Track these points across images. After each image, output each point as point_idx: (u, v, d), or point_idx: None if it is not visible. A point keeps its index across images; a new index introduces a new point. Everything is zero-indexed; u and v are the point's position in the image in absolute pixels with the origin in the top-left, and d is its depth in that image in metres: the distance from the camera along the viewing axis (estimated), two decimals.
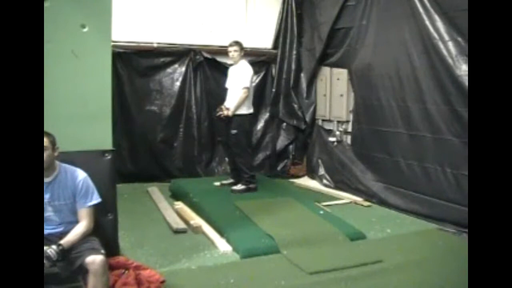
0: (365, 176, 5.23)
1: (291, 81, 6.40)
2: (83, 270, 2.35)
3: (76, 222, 2.53)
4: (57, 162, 2.53)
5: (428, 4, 4.28)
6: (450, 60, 4.08)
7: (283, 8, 6.37)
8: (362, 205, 5.00)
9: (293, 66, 6.40)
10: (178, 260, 3.33)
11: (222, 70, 6.18)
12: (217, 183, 5.24)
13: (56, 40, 2.72)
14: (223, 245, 3.59)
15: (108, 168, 2.93)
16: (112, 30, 2.97)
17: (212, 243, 3.69)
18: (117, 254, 3.00)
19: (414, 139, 4.55)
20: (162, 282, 2.84)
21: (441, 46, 4.15)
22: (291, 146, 6.60)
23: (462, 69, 3.97)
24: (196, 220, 4.11)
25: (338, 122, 5.89)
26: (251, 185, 5.00)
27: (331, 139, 5.92)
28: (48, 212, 2.49)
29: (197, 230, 3.93)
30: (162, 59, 5.88)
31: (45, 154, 2.39)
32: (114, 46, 3.51)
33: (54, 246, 2.31)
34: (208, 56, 6.04)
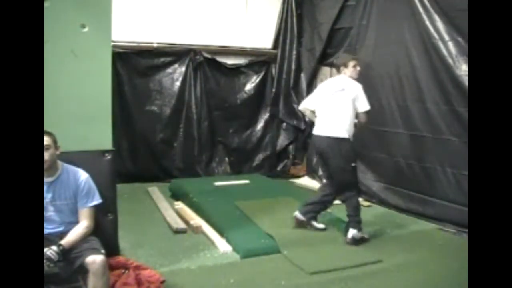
0: (365, 176, 5.22)
1: (291, 81, 6.40)
2: (83, 270, 2.35)
3: (76, 222, 2.53)
4: (59, 162, 2.54)
5: (428, 4, 4.28)
6: (450, 60, 4.08)
7: (283, 8, 6.37)
8: (362, 205, 4.96)
9: (293, 66, 6.40)
10: (178, 260, 3.33)
11: (222, 70, 6.22)
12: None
13: (56, 40, 2.72)
14: (223, 245, 3.59)
15: (108, 168, 2.93)
16: (112, 30, 2.97)
17: (212, 243, 3.69)
18: (117, 254, 3.00)
19: (414, 139, 4.55)
20: (162, 282, 2.84)
21: (441, 46, 4.15)
22: (291, 146, 6.60)
23: (462, 69, 3.97)
24: (196, 220, 4.11)
25: None
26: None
27: None
28: (50, 212, 2.49)
29: (197, 230, 3.93)
30: (162, 59, 5.87)
31: (48, 153, 2.40)
32: (114, 46, 3.50)
33: (54, 247, 2.31)
34: (208, 56, 6.04)
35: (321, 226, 3.96)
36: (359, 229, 3.76)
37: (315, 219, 3.98)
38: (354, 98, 3.74)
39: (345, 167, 3.71)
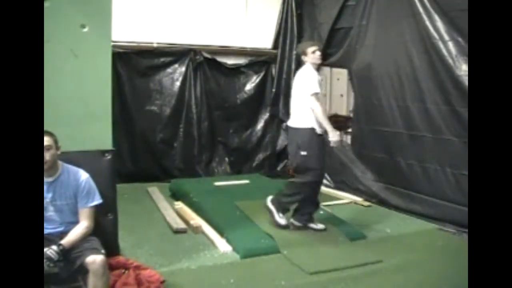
0: (365, 176, 5.23)
1: (291, 81, 6.39)
2: (83, 270, 2.35)
3: (76, 222, 2.53)
4: (60, 162, 2.54)
5: (428, 4, 4.28)
6: (450, 60, 4.08)
7: (283, 8, 6.38)
8: (362, 205, 5.00)
9: (293, 66, 6.39)
10: (178, 260, 3.33)
11: (222, 70, 6.22)
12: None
13: (56, 40, 2.72)
14: (223, 245, 3.59)
15: (108, 168, 2.93)
16: (112, 30, 2.98)
17: (212, 243, 3.69)
18: (117, 254, 3.00)
19: (414, 139, 4.55)
20: (162, 282, 2.84)
21: (441, 46, 4.15)
22: None
23: (462, 69, 3.97)
24: (196, 220, 4.11)
25: None
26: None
27: None
28: (50, 212, 2.49)
29: (197, 230, 3.93)
30: (162, 59, 5.88)
31: (49, 153, 2.41)
32: (114, 46, 3.50)
33: (54, 247, 2.31)
34: (208, 56, 6.04)
35: (320, 226, 3.95)
36: (279, 211, 3.88)
37: (311, 220, 3.95)
38: (302, 85, 3.75)
39: (295, 152, 3.80)
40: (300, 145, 3.75)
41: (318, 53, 3.85)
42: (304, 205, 3.91)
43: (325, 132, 3.78)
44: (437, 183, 4.30)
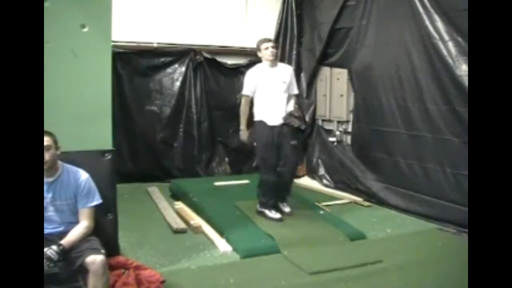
0: (365, 176, 5.23)
1: None
2: (83, 270, 2.35)
3: (76, 222, 2.54)
4: (59, 162, 2.54)
5: (428, 4, 4.28)
6: (450, 60, 4.08)
7: (283, 8, 6.37)
8: (362, 205, 5.00)
9: (293, 66, 6.38)
10: (178, 260, 3.33)
11: (222, 70, 6.22)
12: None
13: (56, 40, 2.72)
14: (223, 245, 3.59)
15: (108, 168, 2.93)
16: (112, 30, 2.98)
17: (212, 243, 3.69)
18: (117, 254, 3.00)
19: (414, 139, 4.55)
20: (162, 282, 2.84)
21: (441, 46, 4.15)
22: None
23: (462, 69, 3.97)
24: (196, 220, 4.11)
25: (338, 122, 5.88)
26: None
27: (331, 139, 5.92)
28: (50, 212, 2.49)
29: (197, 230, 3.93)
30: (162, 59, 5.88)
31: (49, 153, 2.41)
32: (114, 46, 3.50)
33: (54, 247, 2.31)
34: (208, 56, 6.04)
35: (287, 210, 4.18)
36: (261, 206, 4.12)
37: (283, 201, 4.20)
38: None
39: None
40: (253, 137, 4.11)
41: (270, 49, 3.97)
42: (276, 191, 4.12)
43: (288, 125, 4.03)
44: (437, 183, 4.30)
